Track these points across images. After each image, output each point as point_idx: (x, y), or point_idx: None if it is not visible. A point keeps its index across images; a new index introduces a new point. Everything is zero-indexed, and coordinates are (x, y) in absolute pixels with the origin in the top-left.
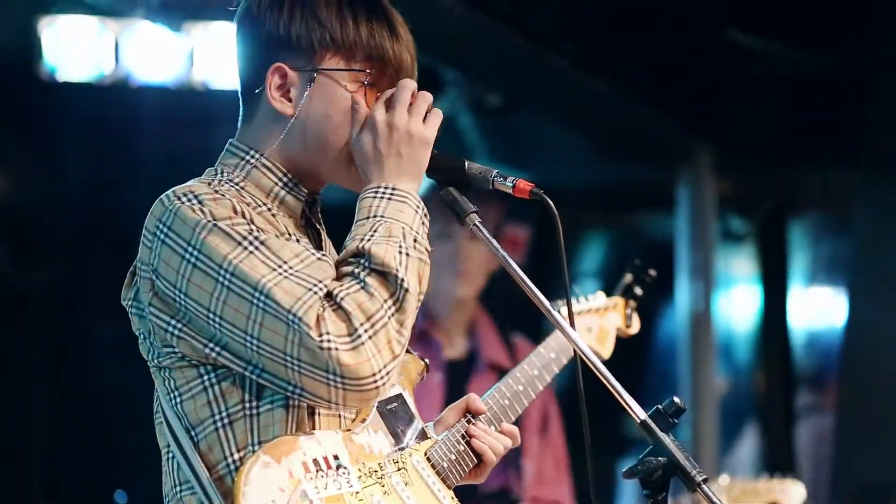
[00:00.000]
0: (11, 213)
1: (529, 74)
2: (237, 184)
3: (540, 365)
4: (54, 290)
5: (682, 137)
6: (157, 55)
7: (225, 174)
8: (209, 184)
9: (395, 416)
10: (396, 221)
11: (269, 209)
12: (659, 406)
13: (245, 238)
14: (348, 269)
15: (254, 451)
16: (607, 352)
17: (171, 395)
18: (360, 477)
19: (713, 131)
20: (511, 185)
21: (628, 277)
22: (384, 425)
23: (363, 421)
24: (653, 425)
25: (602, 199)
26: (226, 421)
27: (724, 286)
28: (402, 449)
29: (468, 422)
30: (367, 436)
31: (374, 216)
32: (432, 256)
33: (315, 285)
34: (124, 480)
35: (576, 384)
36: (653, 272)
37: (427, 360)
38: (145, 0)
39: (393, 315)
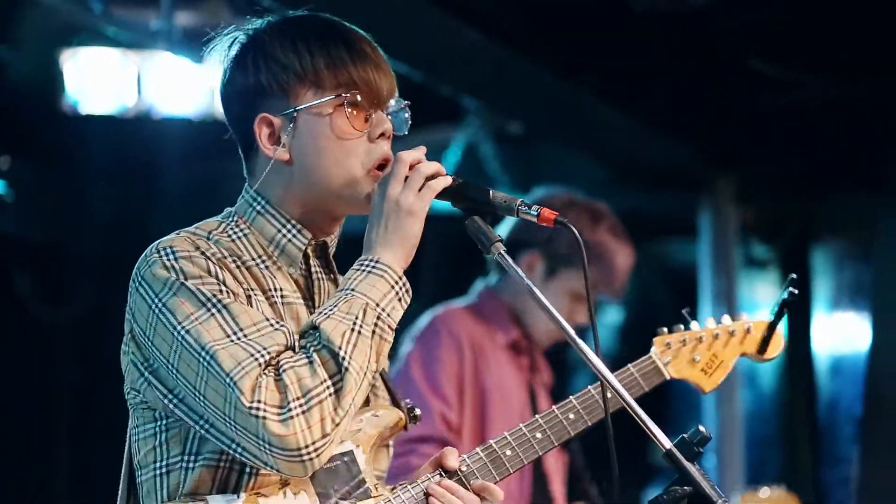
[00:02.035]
0: (35, 245)
1: (551, 104)
2: (242, 230)
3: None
4: (79, 322)
5: (704, 166)
6: (180, 87)
7: (233, 219)
8: (221, 229)
9: (331, 475)
10: (361, 297)
11: (270, 257)
12: (684, 435)
13: (209, 300)
14: (304, 341)
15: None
16: (712, 385)
17: (133, 430)
18: None
19: (735, 159)
20: (536, 213)
21: (785, 295)
22: (312, 486)
23: (285, 483)
24: (678, 455)
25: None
26: (164, 470)
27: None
28: None
29: (433, 479)
30: (279, 499)
31: (346, 289)
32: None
33: (258, 352)
34: None
35: (603, 412)
36: (793, 295)
37: (418, 412)
38: (167, 32)
39: (331, 395)
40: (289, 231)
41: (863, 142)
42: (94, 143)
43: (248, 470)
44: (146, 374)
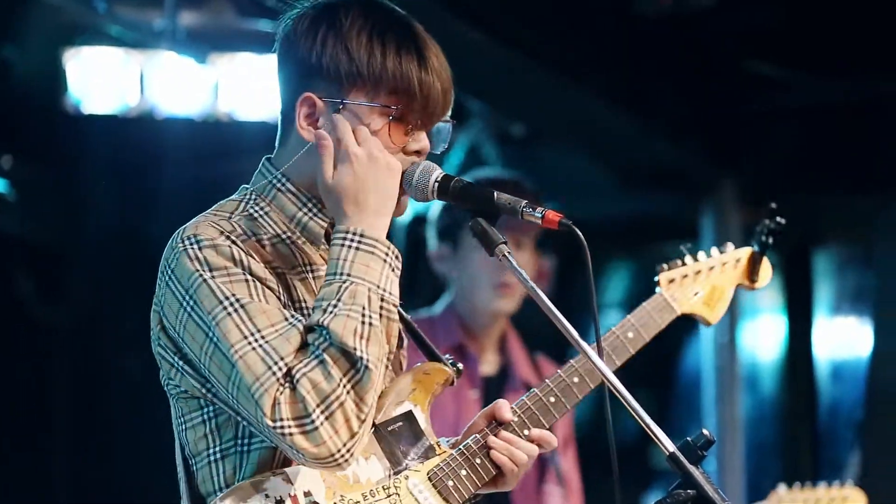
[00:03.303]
0: (36, 245)
1: (553, 106)
2: (262, 209)
3: (582, 372)
4: (79, 322)
5: (706, 168)
6: (183, 87)
7: (253, 197)
8: (227, 218)
9: (396, 437)
10: (362, 282)
11: (290, 236)
12: (688, 438)
13: (227, 298)
14: (310, 338)
15: None
16: (715, 317)
17: (178, 420)
18: None
19: (736, 162)
20: (540, 215)
21: (766, 223)
22: (380, 449)
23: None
24: (682, 458)
25: (626, 230)
26: (218, 455)
27: (749, 317)
28: (398, 473)
29: (491, 431)
30: (353, 465)
31: (341, 273)
32: (474, 268)
33: (276, 363)
34: None
35: (604, 416)
36: (777, 224)
37: (461, 366)
38: (170, 32)
39: (350, 392)
40: (309, 210)
41: (866, 144)
42: (96, 142)
43: None
44: (178, 363)
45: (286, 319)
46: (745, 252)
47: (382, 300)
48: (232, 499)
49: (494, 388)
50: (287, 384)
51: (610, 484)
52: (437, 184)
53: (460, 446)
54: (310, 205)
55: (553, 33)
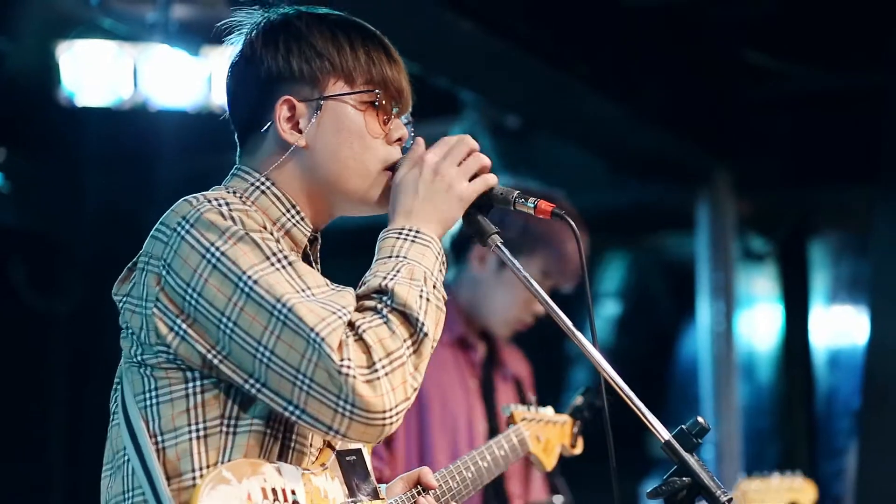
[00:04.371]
0: (31, 236)
1: (548, 97)
2: (248, 206)
3: (490, 459)
4: (73, 313)
5: (702, 158)
6: (176, 79)
7: (237, 195)
8: (238, 196)
9: (352, 468)
10: (419, 265)
11: (276, 237)
12: (683, 426)
13: (274, 254)
14: (371, 303)
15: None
16: (550, 464)
17: (147, 394)
18: None
19: (732, 152)
20: (532, 205)
21: (579, 399)
22: (341, 475)
23: (323, 465)
24: (677, 446)
25: (622, 221)
26: (202, 433)
27: (745, 305)
28: (355, 502)
29: (418, 493)
30: (324, 480)
31: (397, 256)
32: (513, 294)
33: (340, 309)
34: None
35: (601, 405)
36: (600, 402)
37: None
38: (163, 25)
39: (410, 356)
40: (293, 217)
41: (862, 133)
42: (90, 134)
43: (292, 444)
44: (180, 326)
45: (327, 284)
46: (567, 419)
47: (435, 288)
48: (234, 472)
49: (487, 374)
50: (351, 332)
51: (607, 472)
52: None
53: (396, 498)
54: (293, 211)
55: (547, 24)
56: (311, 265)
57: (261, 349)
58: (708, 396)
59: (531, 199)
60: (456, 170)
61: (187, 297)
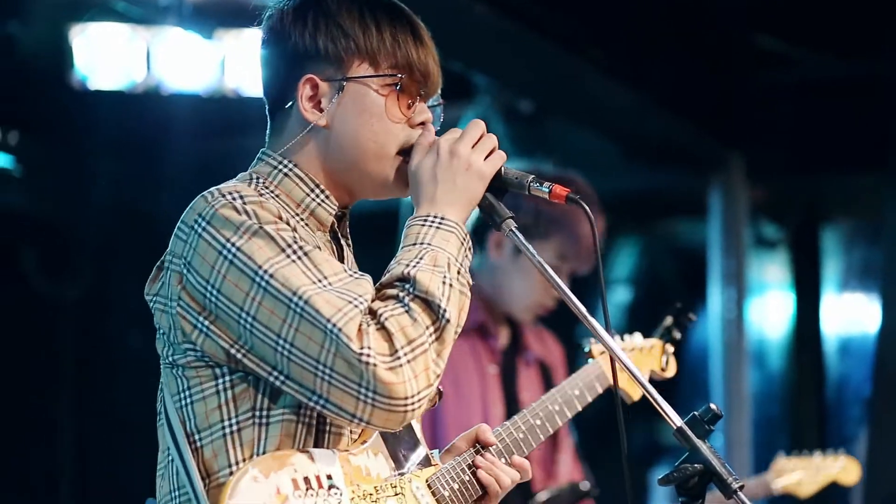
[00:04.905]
0: (42, 221)
1: (561, 82)
2: (272, 192)
3: (562, 401)
4: (83, 298)
5: (714, 145)
6: (189, 63)
7: (260, 181)
8: (253, 187)
9: (397, 440)
10: (442, 251)
11: (301, 219)
12: (695, 413)
13: (289, 246)
14: (393, 291)
15: None
16: (638, 394)
17: (182, 394)
18: (352, 499)
19: (745, 138)
20: (547, 190)
21: (668, 320)
22: (385, 449)
23: (363, 443)
24: (689, 432)
25: (635, 206)
26: (235, 427)
27: (756, 292)
28: (402, 474)
29: (476, 452)
30: (365, 458)
31: (422, 243)
32: (533, 280)
33: (356, 298)
34: (153, 489)
35: (613, 392)
36: (693, 316)
37: (441, 388)
38: (177, 7)
39: (433, 343)
40: (317, 196)
41: (873, 120)
42: (102, 118)
43: (327, 427)
44: (203, 324)
45: (349, 273)
46: (656, 343)
47: (459, 273)
48: (262, 468)
49: (509, 360)
50: (373, 321)
51: (619, 460)
52: None
53: (452, 461)
54: (317, 191)
55: (561, 8)
56: (339, 242)
57: (281, 342)
58: (718, 383)
59: (546, 184)
60: (471, 150)
61: (207, 294)
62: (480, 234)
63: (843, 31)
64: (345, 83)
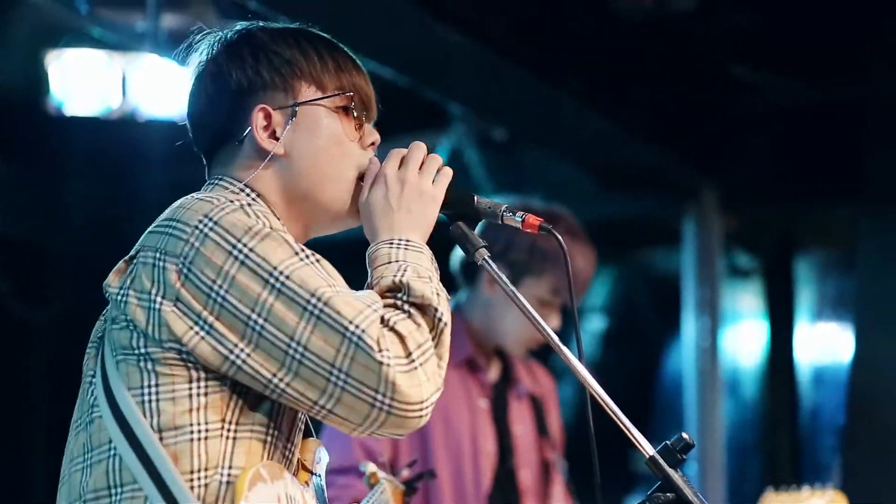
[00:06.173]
0: (17, 246)
1: (535, 110)
2: None
3: None
4: (57, 322)
5: (688, 173)
6: (165, 89)
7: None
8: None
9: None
10: (420, 265)
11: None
12: (667, 442)
13: (302, 250)
14: (389, 301)
15: (222, 474)
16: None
17: (146, 389)
18: None
19: (719, 167)
20: (520, 219)
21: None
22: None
23: (306, 483)
24: (661, 461)
25: (608, 235)
26: (203, 435)
27: (730, 321)
28: None
29: None
30: (311, 498)
31: (397, 260)
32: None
33: (374, 303)
34: None
35: (585, 420)
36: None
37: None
38: (153, 34)
39: (436, 347)
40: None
41: (848, 150)
42: (78, 144)
43: (288, 449)
44: (203, 326)
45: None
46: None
47: (437, 294)
48: (269, 471)
49: (500, 394)
50: (384, 326)
51: (592, 487)
52: None
53: None
54: (279, 223)
55: (534, 37)
56: None
57: (293, 345)
58: (692, 412)
59: (519, 213)
60: (418, 175)
61: (213, 295)
62: (474, 269)
63: (817, 60)
64: (297, 108)
